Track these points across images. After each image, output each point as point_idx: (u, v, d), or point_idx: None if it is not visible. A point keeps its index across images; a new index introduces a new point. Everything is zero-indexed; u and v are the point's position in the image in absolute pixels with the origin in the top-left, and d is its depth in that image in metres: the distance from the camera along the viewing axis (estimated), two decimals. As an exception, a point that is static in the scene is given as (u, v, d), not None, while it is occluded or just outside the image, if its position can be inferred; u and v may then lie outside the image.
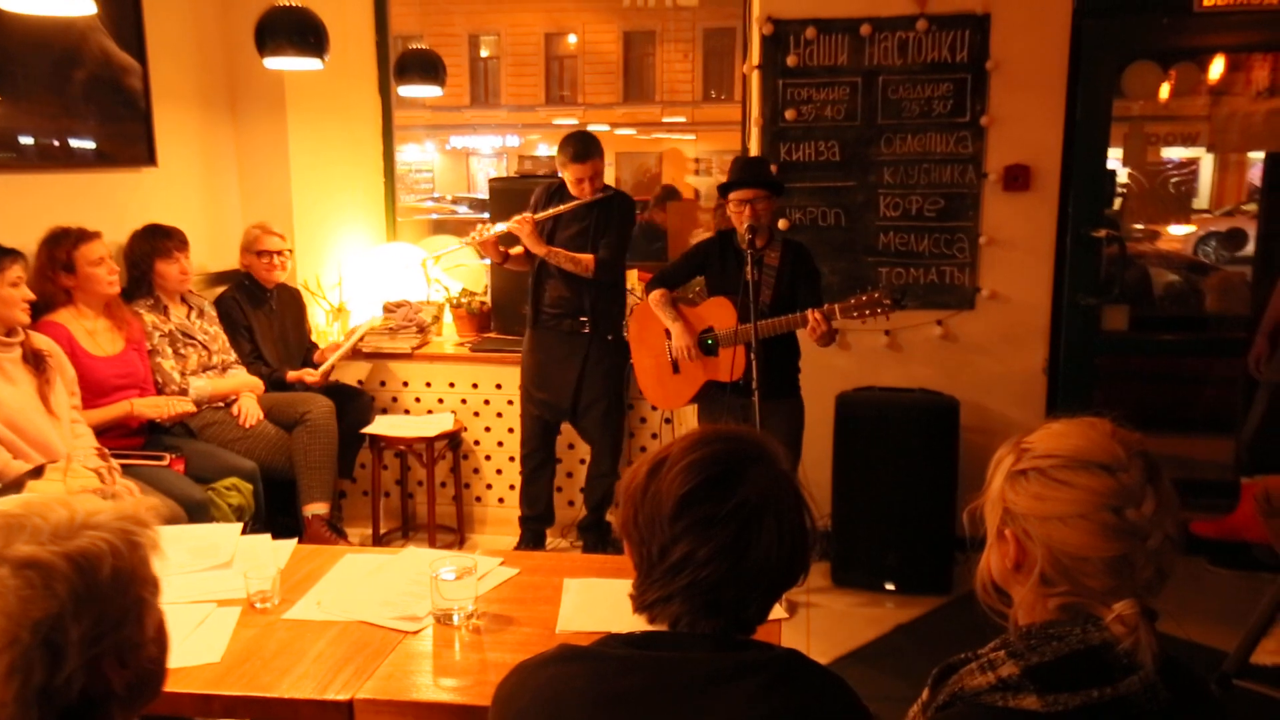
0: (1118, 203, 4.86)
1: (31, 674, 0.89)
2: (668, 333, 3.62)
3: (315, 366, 4.13)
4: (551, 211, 3.86)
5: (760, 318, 3.28)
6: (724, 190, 3.47)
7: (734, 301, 3.40)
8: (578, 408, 3.98)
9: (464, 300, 4.71)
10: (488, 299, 4.72)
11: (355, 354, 4.40)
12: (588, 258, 3.82)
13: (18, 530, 0.93)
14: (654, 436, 4.34)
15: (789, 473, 1.21)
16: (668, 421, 4.27)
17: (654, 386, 3.75)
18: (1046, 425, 1.22)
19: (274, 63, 3.63)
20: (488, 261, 4.80)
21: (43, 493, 2.45)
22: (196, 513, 3.10)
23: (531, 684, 1.18)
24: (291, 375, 4.03)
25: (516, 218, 3.86)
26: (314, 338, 4.43)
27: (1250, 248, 5.02)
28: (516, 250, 4.02)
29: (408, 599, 2.06)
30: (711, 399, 3.59)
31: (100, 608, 0.94)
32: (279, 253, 4.07)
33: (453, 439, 4.34)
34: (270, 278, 4.09)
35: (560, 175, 3.91)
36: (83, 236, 3.29)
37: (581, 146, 3.79)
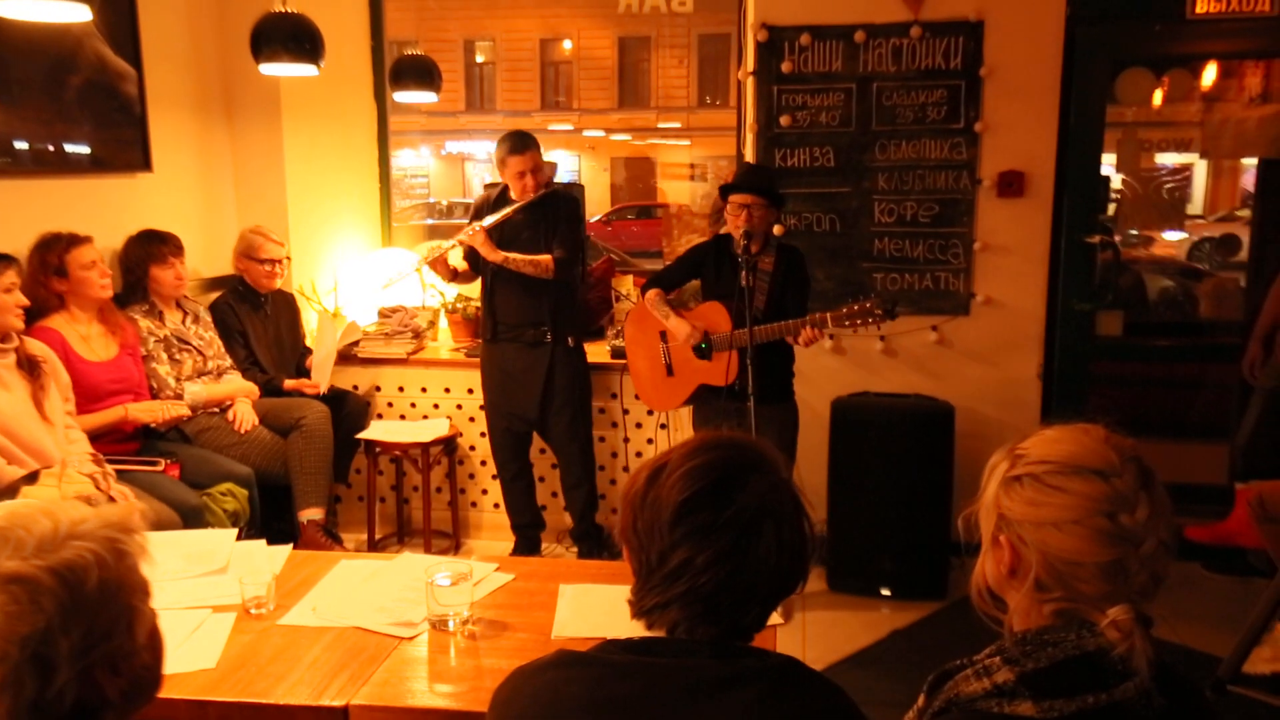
0: (1112, 208, 4.87)
1: (22, 689, 0.89)
2: (662, 334, 3.62)
3: (309, 372, 4.13)
4: (499, 216, 3.81)
5: (754, 324, 3.28)
6: (724, 192, 3.48)
7: (728, 306, 3.41)
8: (546, 417, 3.96)
9: (459, 306, 4.71)
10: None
11: (350, 359, 4.41)
12: (546, 258, 3.78)
13: (1, 544, 0.92)
14: (649, 442, 4.34)
15: (788, 480, 1.21)
16: (663, 427, 4.27)
17: (648, 388, 3.76)
18: (1040, 431, 1.22)
19: (269, 69, 3.63)
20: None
21: (28, 500, 2.45)
22: (191, 518, 3.10)
23: (529, 689, 1.18)
24: (290, 384, 4.02)
25: (467, 230, 3.83)
26: (308, 342, 4.42)
27: (1244, 253, 5.04)
28: (464, 267, 4.01)
29: (403, 605, 2.06)
30: (706, 402, 3.59)
31: (89, 619, 0.93)
32: (279, 260, 4.08)
33: (448, 444, 4.34)
34: (269, 285, 4.09)
35: (501, 179, 3.88)
36: (74, 241, 3.29)
37: (519, 139, 3.78)
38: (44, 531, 0.94)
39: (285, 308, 4.27)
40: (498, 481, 4.36)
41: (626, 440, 4.37)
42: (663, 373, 3.66)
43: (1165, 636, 1.09)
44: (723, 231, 3.62)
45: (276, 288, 4.16)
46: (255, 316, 4.09)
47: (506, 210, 3.82)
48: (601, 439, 4.34)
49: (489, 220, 3.81)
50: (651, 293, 3.63)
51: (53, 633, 0.90)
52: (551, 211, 3.84)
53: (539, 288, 3.83)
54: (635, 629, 1.21)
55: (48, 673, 0.90)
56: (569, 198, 3.96)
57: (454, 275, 4.00)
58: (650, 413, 4.29)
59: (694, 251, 3.71)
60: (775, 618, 2.16)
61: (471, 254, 3.96)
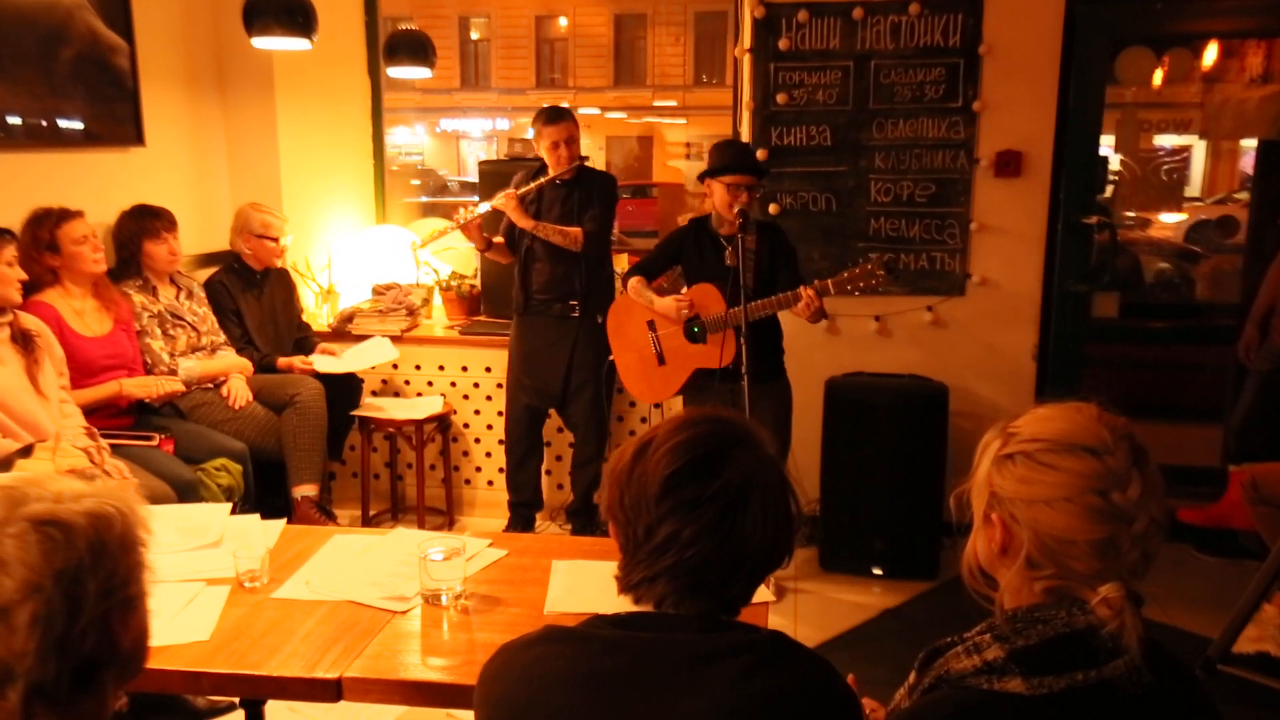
0: (1109, 190, 4.86)
1: (52, 624, 0.92)
2: (650, 324, 3.60)
3: (307, 354, 4.12)
4: (533, 185, 3.85)
5: (748, 301, 3.28)
6: (717, 173, 3.42)
7: (720, 287, 3.39)
8: (566, 393, 3.98)
9: (453, 283, 4.70)
10: (477, 282, 4.70)
11: (344, 336, 4.40)
12: (576, 230, 3.80)
13: (22, 497, 0.96)
14: (643, 420, 4.34)
15: (774, 456, 1.22)
16: (657, 406, 4.27)
17: (638, 381, 3.71)
18: (1033, 410, 1.22)
19: (262, 42, 3.60)
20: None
21: (31, 470, 2.45)
22: (186, 493, 3.10)
23: (516, 664, 1.18)
24: (282, 362, 4.01)
25: (500, 194, 3.85)
26: (304, 318, 4.40)
27: (1241, 236, 5.03)
28: (499, 239, 4.01)
29: (396, 579, 2.06)
30: (699, 388, 3.57)
31: (112, 564, 0.97)
32: (279, 238, 4.06)
33: (442, 422, 4.34)
34: (272, 262, 4.07)
35: (537, 151, 3.89)
36: (64, 215, 3.27)
37: (554, 111, 3.84)
38: (60, 488, 0.98)
39: (280, 285, 4.23)
40: (491, 459, 4.37)
41: (620, 420, 4.37)
42: (653, 363, 3.63)
43: (1156, 617, 1.10)
44: (700, 213, 3.62)
45: (278, 264, 4.14)
46: (250, 295, 4.06)
47: (541, 179, 3.85)
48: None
49: (523, 188, 3.84)
50: (634, 280, 3.62)
51: (83, 571, 0.94)
52: (586, 190, 3.87)
53: (571, 263, 3.85)
54: (627, 605, 1.21)
55: (75, 611, 0.93)
56: (606, 177, 4.00)
57: (488, 245, 4.00)
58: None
59: (672, 238, 3.67)
60: (767, 594, 2.15)
61: (510, 230, 3.97)
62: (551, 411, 4.16)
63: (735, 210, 3.32)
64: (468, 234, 3.93)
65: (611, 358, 3.81)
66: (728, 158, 3.46)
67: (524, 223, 3.82)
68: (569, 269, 3.87)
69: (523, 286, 3.97)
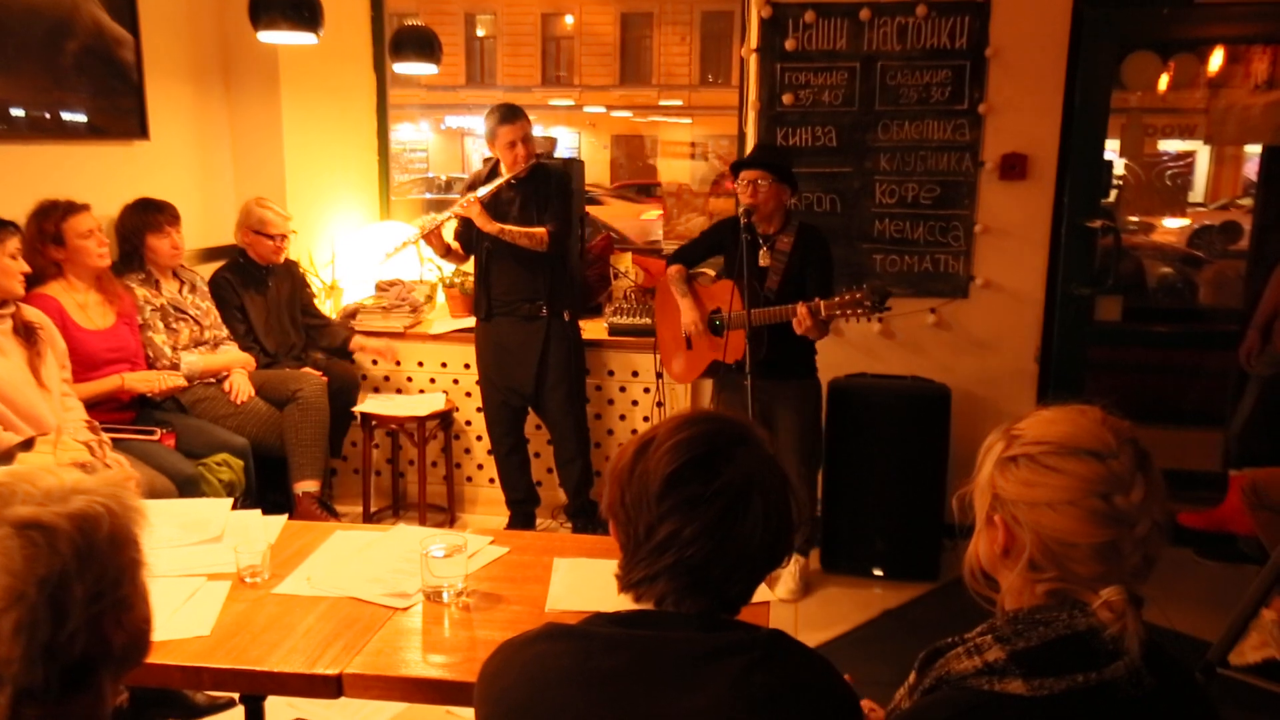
0: (1114, 194, 4.86)
1: (37, 631, 0.91)
2: None
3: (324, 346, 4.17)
4: (493, 187, 3.81)
5: (765, 304, 3.31)
6: (735, 168, 3.52)
7: (739, 284, 3.39)
8: (541, 392, 3.96)
9: (457, 280, 4.70)
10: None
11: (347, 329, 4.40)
12: (540, 231, 3.78)
13: (9, 497, 0.94)
14: (645, 420, 4.34)
15: (774, 456, 1.22)
16: (659, 405, 4.27)
17: (672, 357, 3.79)
18: (1037, 412, 1.22)
19: (268, 36, 3.60)
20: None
21: (27, 464, 2.44)
22: (187, 487, 3.10)
23: (517, 661, 1.18)
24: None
25: (462, 201, 3.83)
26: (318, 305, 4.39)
27: (1244, 241, 5.03)
28: (456, 246, 4.00)
29: (397, 576, 2.06)
30: (723, 378, 3.63)
31: (100, 567, 0.95)
32: (287, 235, 4.06)
33: (444, 419, 4.34)
34: (275, 259, 4.07)
35: (491, 152, 3.88)
36: (71, 209, 3.27)
37: (507, 110, 3.82)
38: (50, 485, 0.97)
39: (286, 280, 4.20)
40: (493, 456, 4.36)
41: (623, 418, 4.37)
42: (683, 345, 3.69)
43: (1156, 621, 1.10)
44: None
45: (281, 261, 4.13)
46: (254, 291, 4.04)
47: (499, 181, 3.82)
48: (598, 416, 4.34)
49: (483, 191, 3.81)
50: (673, 268, 3.67)
51: (68, 577, 0.92)
52: (542, 185, 3.84)
53: (534, 263, 3.83)
54: (628, 603, 1.21)
55: (61, 617, 0.92)
56: (559, 171, 3.96)
57: (447, 251, 3.99)
58: (646, 390, 4.29)
59: (715, 228, 3.73)
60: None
61: (464, 233, 3.95)
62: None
63: (743, 204, 3.36)
64: (430, 243, 3.92)
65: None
66: (745, 155, 3.53)
67: (489, 227, 3.77)
68: (532, 269, 3.84)
69: (484, 291, 3.94)
